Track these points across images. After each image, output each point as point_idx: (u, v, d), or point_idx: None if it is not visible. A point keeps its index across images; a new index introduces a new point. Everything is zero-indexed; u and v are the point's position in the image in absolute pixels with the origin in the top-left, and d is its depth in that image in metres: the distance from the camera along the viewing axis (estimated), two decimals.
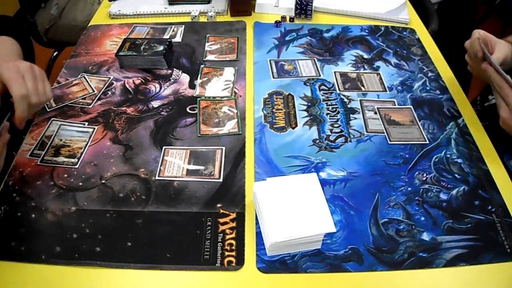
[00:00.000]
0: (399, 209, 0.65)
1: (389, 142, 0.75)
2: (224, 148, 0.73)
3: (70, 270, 0.57)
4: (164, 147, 0.73)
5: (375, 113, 0.81)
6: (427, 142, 0.75)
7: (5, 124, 0.61)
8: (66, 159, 0.71)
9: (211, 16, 1.06)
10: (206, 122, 0.78)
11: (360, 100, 0.84)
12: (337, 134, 0.77)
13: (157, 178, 0.68)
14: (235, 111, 0.81)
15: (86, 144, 0.74)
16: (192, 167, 0.70)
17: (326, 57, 0.95)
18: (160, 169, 0.70)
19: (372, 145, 0.75)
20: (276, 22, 1.05)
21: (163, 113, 0.81)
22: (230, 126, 0.78)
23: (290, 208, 0.58)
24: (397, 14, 1.08)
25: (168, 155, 0.72)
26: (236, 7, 1.08)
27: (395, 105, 0.83)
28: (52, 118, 0.78)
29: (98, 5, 1.16)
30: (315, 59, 0.95)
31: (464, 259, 0.58)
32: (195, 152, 0.73)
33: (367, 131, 0.77)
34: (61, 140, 0.74)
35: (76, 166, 0.70)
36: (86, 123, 0.78)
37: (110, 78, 0.89)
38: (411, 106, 0.82)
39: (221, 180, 0.68)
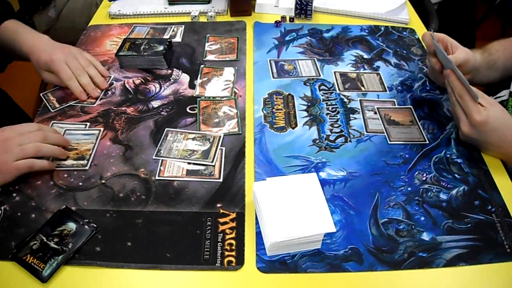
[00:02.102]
0: (399, 209, 0.65)
1: (389, 142, 0.75)
2: (224, 148, 0.73)
3: (70, 270, 0.57)
4: None
5: (375, 113, 0.81)
6: (427, 142, 0.75)
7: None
8: (75, 162, 0.70)
9: (211, 16, 1.06)
10: (206, 122, 0.78)
11: (360, 100, 0.84)
12: (337, 134, 0.77)
13: (157, 178, 0.68)
14: (235, 111, 0.81)
15: (94, 146, 0.73)
16: (192, 167, 0.70)
17: (326, 57, 0.95)
18: (160, 169, 0.70)
19: (372, 145, 0.75)
20: (276, 22, 1.05)
21: (163, 113, 0.81)
22: (230, 126, 0.78)
23: (290, 208, 0.58)
24: (397, 14, 1.08)
25: None
26: (236, 7, 1.08)
27: (395, 105, 0.83)
28: (53, 121, 0.78)
29: (96, 7, 1.16)
30: (315, 59, 0.95)
31: (464, 259, 0.58)
32: None
33: (367, 131, 0.77)
34: None
35: (86, 168, 0.70)
36: (88, 124, 0.77)
37: (110, 78, 0.88)
38: (411, 106, 0.82)
39: (221, 180, 0.68)
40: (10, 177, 0.65)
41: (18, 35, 0.84)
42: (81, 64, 0.83)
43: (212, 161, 0.70)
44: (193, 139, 0.74)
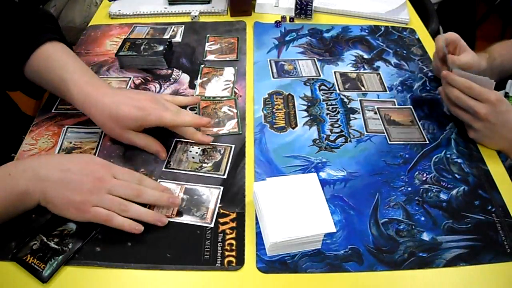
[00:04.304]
0: (399, 209, 0.65)
1: (389, 142, 0.75)
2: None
3: (70, 270, 0.57)
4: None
5: (375, 113, 0.81)
6: (427, 142, 0.75)
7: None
8: None
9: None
10: None
11: (360, 100, 0.84)
12: (337, 134, 0.77)
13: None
14: (235, 111, 0.81)
15: (98, 144, 0.73)
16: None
17: (326, 57, 0.95)
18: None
19: (372, 145, 0.75)
20: (276, 22, 1.05)
21: None
22: (230, 126, 0.78)
23: (290, 208, 0.58)
24: (397, 14, 1.08)
25: None
26: (236, 7, 1.08)
27: (395, 105, 0.83)
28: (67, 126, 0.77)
29: (95, 7, 1.16)
30: (315, 59, 0.95)
31: (464, 259, 0.58)
32: None
33: (367, 131, 0.77)
34: (70, 142, 0.73)
35: None
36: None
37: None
38: (411, 106, 0.82)
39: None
40: (82, 219, 0.58)
41: (67, 74, 0.69)
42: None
43: (224, 174, 0.69)
44: (203, 150, 0.73)
